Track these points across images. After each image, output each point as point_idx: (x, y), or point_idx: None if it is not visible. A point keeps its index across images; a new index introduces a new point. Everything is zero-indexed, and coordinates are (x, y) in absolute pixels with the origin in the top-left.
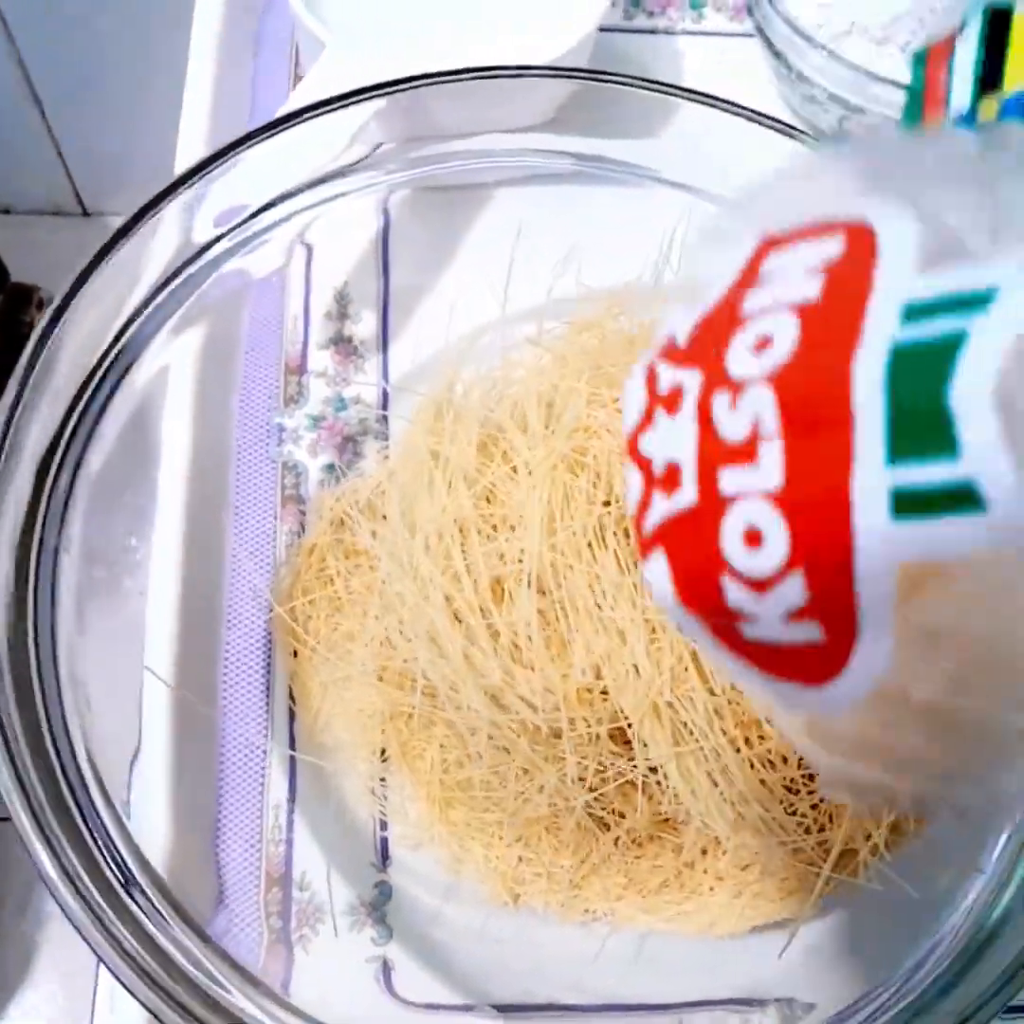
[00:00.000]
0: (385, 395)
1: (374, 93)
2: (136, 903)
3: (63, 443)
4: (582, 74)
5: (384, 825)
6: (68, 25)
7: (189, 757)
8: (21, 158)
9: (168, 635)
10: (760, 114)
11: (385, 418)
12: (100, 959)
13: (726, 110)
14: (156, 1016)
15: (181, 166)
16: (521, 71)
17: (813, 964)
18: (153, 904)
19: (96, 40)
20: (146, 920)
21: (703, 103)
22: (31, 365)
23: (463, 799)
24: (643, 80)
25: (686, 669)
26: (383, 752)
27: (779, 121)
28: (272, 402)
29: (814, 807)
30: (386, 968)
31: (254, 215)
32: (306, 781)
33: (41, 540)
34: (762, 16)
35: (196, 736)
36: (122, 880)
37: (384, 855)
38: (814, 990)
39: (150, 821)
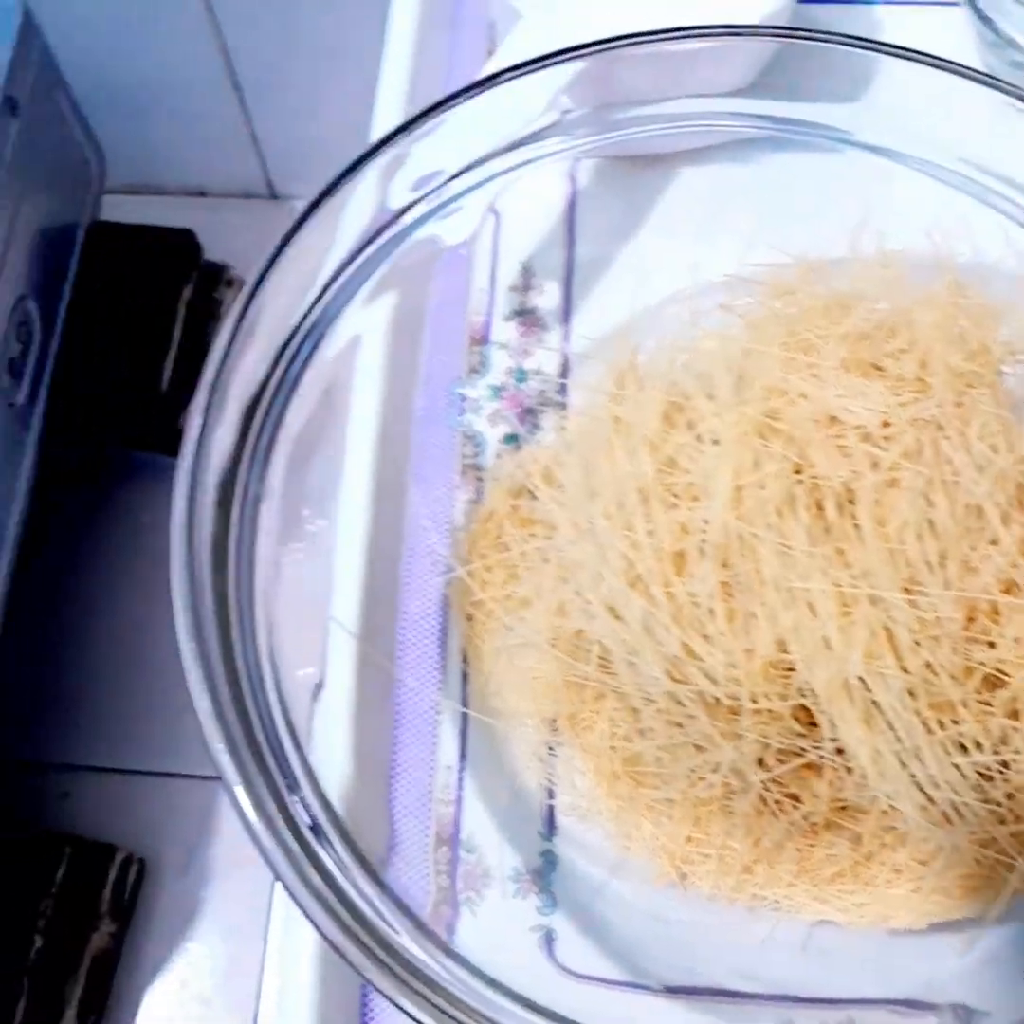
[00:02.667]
0: (566, 366)
1: (571, 55)
2: (322, 847)
3: (265, 402)
4: (786, 33)
5: (552, 794)
6: (270, 11)
7: (368, 711)
8: (218, 142)
9: (353, 590)
10: (971, 69)
11: (565, 388)
12: (292, 896)
13: (934, 66)
14: (335, 947)
15: (376, 136)
16: (725, 30)
17: (993, 970)
18: (335, 848)
19: (296, 26)
20: (331, 864)
21: (910, 59)
22: (235, 330)
23: (632, 774)
24: (849, 37)
25: (880, 645)
26: (553, 721)
27: (990, 76)
28: (455, 371)
29: (1010, 796)
30: (550, 938)
31: (450, 180)
32: (477, 744)
33: (245, 488)
34: None
35: (375, 692)
36: (310, 823)
37: (551, 824)
38: (992, 998)
39: (332, 768)
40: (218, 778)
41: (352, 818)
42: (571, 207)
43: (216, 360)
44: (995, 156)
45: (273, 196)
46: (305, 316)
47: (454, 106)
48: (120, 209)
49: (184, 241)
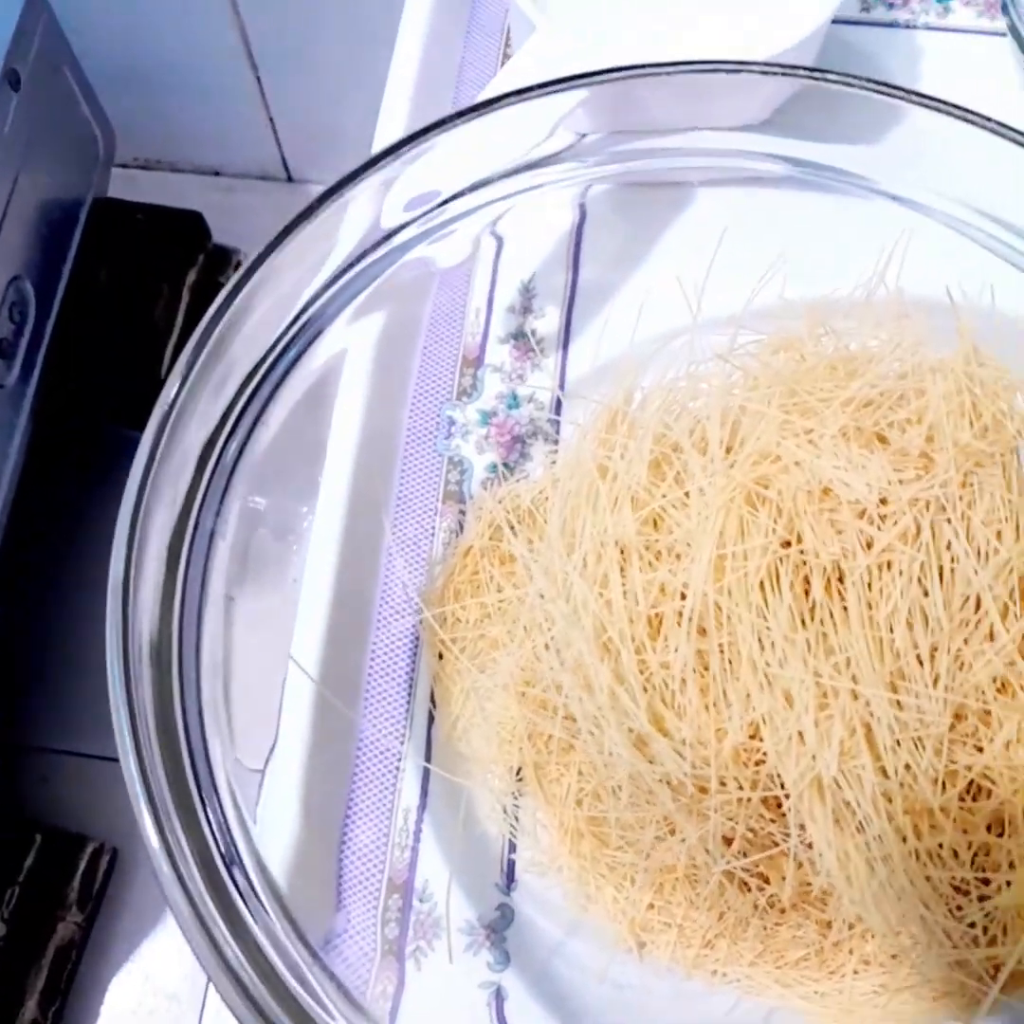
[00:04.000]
0: (560, 396)
1: (581, 82)
2: (246, 903)
3: (231, 421)
4: (808, 74)
5: (513, 846)
6: None
7: (325, 750)
8: (234, 122)
9: (318, 625)
10: (1005, 126)
11: (557, 421)
12: (203, 967)
13: (964, 119)
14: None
15: (379, 144)
16: (740, 67)
17: None
18: (263, 905)
19: (316, 9)
20: (254, 924)
21: (938, 110)
22: (204, 339)
23: (597, 833)
24: (875, 82)
25: (858, 743)
26: (519, 770)
27: (1021, 133)
28: (445, 393)
29: (987, 915)
30: (499, 996)
31: (446, 202)
32: (438, 789)
33: (197, 523)
34: (1018, 14)
35: (334, 730)
36: (236, 883)
37: (510, 877)
38: None
39: (277, 814)
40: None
41: (296, 869)
42: (578, 230)
43: (176, 379)
44: (1022, 213)
45: (289, 179)
46: (284, 333)
47: (453, 128)
48: (132, 184)
49: (191, 223)
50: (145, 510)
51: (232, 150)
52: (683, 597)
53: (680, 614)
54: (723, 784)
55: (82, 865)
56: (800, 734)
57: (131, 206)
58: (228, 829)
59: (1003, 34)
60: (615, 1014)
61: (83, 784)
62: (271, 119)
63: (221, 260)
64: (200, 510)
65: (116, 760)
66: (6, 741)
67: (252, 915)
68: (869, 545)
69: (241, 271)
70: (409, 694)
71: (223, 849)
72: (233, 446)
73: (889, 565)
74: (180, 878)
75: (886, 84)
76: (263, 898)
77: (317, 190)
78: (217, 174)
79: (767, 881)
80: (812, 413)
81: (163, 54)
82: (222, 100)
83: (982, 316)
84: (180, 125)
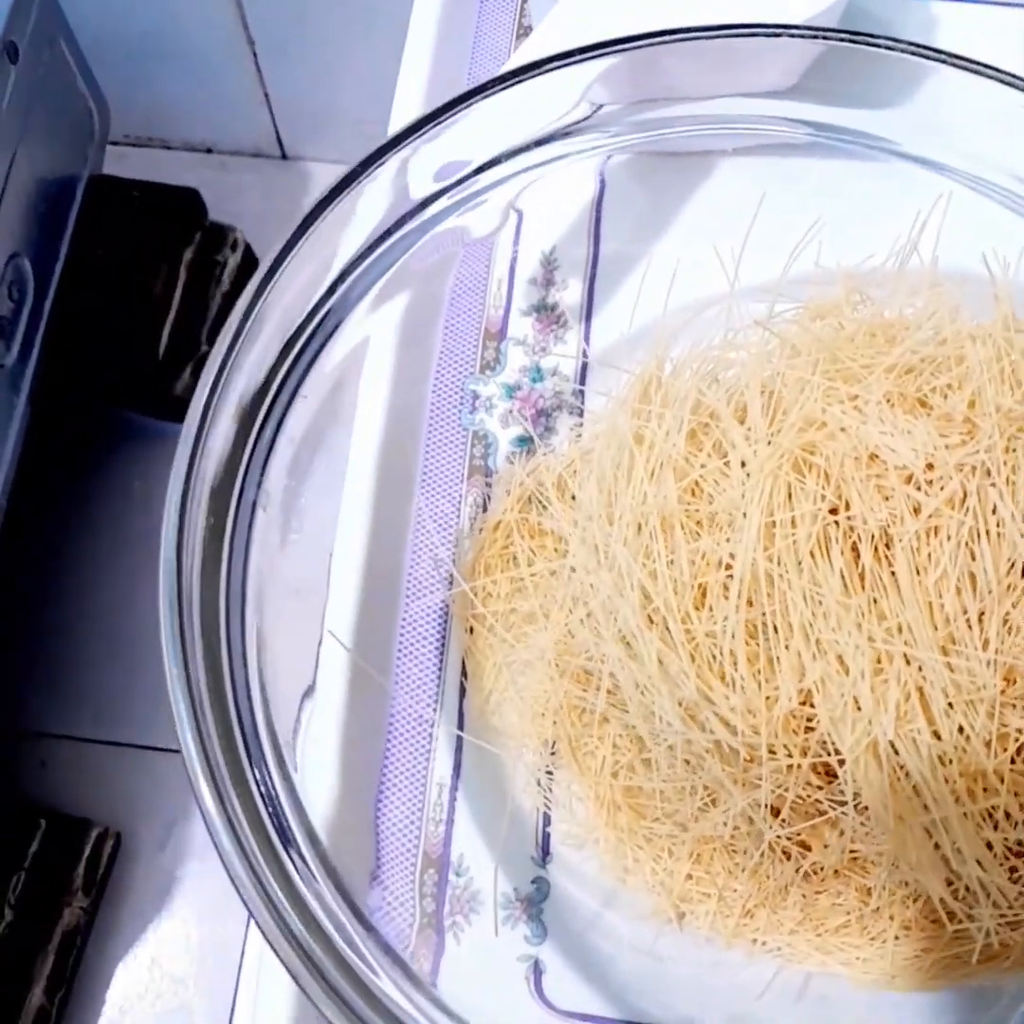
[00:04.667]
0: (584, 368)
1: (608, 50)
2: (294, 864)
3: (267, 401)
4: (841, 35)
5: (548, 819)
6: None
7: (359, 723)
8: (229, 98)
9: (350, 597)
10: None
11: (582, 392)
12: (254, 919)
13: (991, 78)
14: (300, 985)
15: (397, 116)
16: (776, 30)
17: None
18: (310, 868)
19: None
20: (301, 884)
21: (966, 70)
22: (243, 320)
23: (634, 805)
24: (901, 41)
25: (913, 707)
26: (553, 743)
27: None
28: (468, 367)
29: None
30: (537, 969)
31: (475, 173)
32: (472, 762)
33: (241, 494)
34: None
35: (367, 702)
36: (283, 838)
37: (545, 850)
38: None
39: (316, 783)
40: None
41: (332, 840)
42: (598, 200)
43: (219, 356)
44: None
45: (284, 156)
46: (314, 310)
47: (482, 98)
48: (125, 161)
49: (188, 200)
50: (192, 487)
51: (226, 127)
52: (728, 567)
53: (725, 585)
54: (773, 752)
55: (87, 850)
56: (855, 700)
57: (127, 183)
58: (278, 800)
59: (1019, 5)
60: (654, 985)
61: (83, 769)
62: (266, 95)
63: (218, 237)
64: (243, 483)
65: (115, 744)
66: (7, 724)
67: (305, 886)
68: (917, 511)
69: (275, 253)
70: (440, 669)
71: (276, 821)
72: (272, 422)
73: (937, 530)
74: (244, 851)
75: (927, 47)
76: (313, 868)
77: (313, 167)
78: (210, 151)
79: (808, 849)
80: (855, 380)
81: (156, 29)
82: (216, 76)
83: (1016, 283)
84: (173, 101)
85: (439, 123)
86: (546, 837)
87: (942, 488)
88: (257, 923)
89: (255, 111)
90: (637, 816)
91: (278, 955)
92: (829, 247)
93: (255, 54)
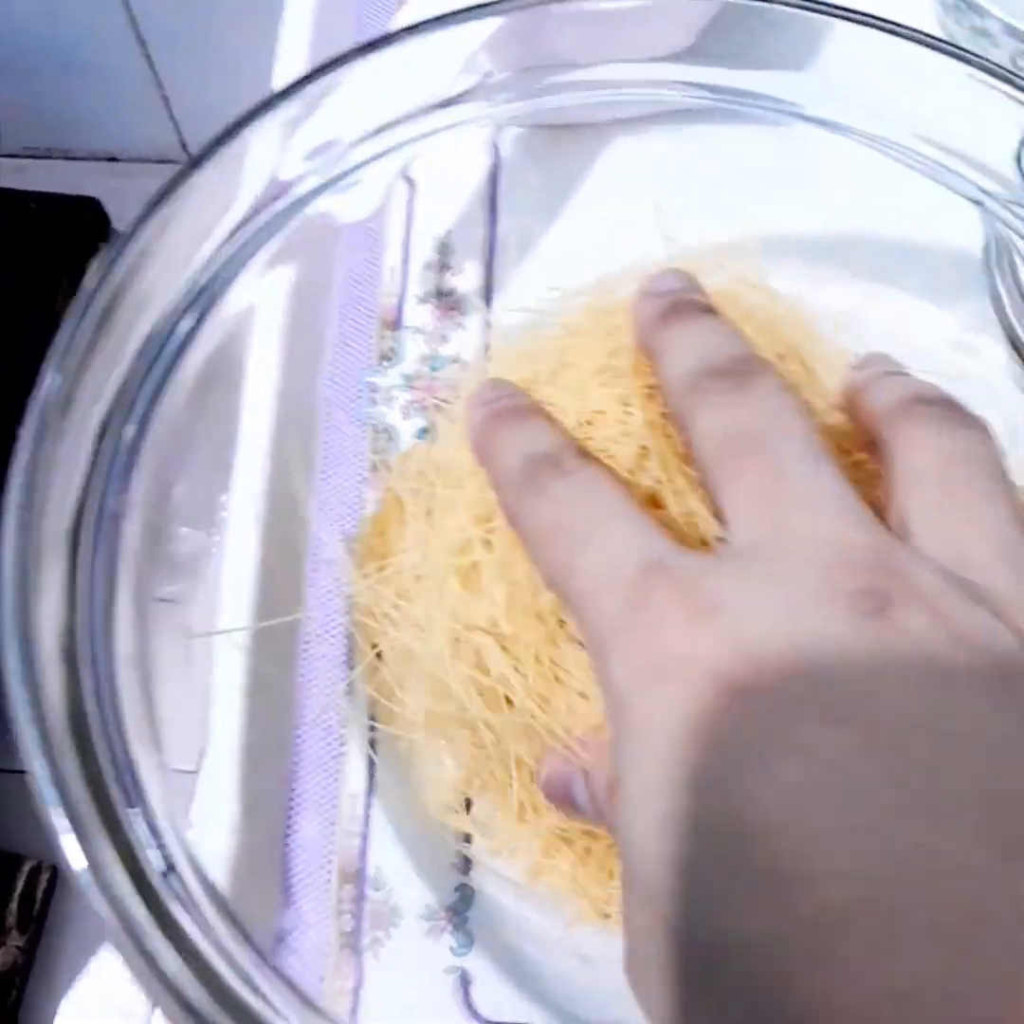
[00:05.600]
0: (486, 354)
1: (490, 10)
2: (186, 912)
3: (128, 397)
4: None
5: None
6: None
7: (262, 742)
8: (127, 102)
9: (244, 612)
10: (929, 36)
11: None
12: (140, 985)
13: (889, 32)
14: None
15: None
16: None
17: None
18: (203, 912)
19: None
20: (196, 933)
21: (863, 24)
22: (87, 308)
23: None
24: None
25: None
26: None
27: (950, 44)
28: (365, 359)
29: None
30: (465, 980)
31: (348, 149)
32: (386, 770)
33: (100, 506)
34: None
35: (271, 720)
36: (173, 891)
37: (467, 856)
38: None
39: (215, 813)
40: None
41: (239, 876)
42: (494, 179)
43: (60, 348)
44: (952, 131)
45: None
46: (179, 298)
47: (354, 63)
48: (23, 174)
49: (88, 210)
50: (35, 496)
51: (127, 134)
52: None
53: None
54: None
55: (19, 886)
56: None
57: (23, 195)
58: (159, 835)
59: None
60: (587, 989)
61: (12, 801)
62: (165, 98)
63: None
64: (102, 493)
65: None
66: None
67: (194, 923)
68: None
69: (125, 232)
70: (347, 673)
71: (155, 858)
72: (132, 423)
73: None
74: (108, 892)
75: (821, 1)
76: (203, 905)
77: None
78: (113, 160)
79: None
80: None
81: (49, 36)
82: (112, 80)
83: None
84: (71, 110)
85: (306, 91)
86: (467, 841)
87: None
88: (132, 972)
89: (155, 114)
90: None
91: (161, 1008)
92: (726, 215)
93: (148, 55)
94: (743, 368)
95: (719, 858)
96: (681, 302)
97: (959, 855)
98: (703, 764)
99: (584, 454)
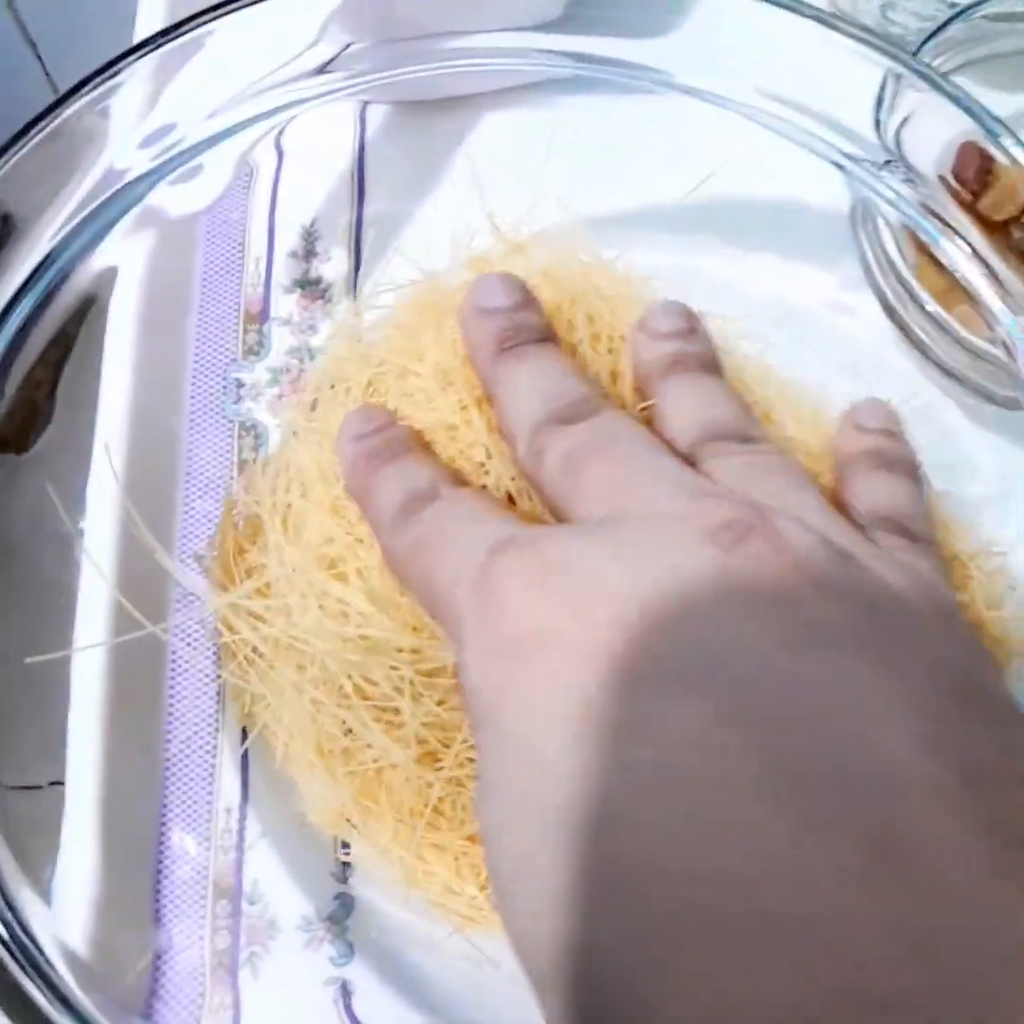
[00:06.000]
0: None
1: None
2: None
3: None
4: None
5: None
6: None
7: (125, 759)
8: None
9: (100, 625)
10: (804, 4)
11: None
12: None
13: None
14: None
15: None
16: None
17: None
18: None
19: None
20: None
21: None
22: None
23: (422, 814)
24: None
25: None
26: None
27: (823, 13)
28: (230, 354)
29: None
30: (346, 991)
31: (190, 128)
32: (260, 781)
33: None
34: None
35: (134, 737)
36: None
37: (346, 863)
38: None
39: (75, 835)
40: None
41: (105, 902)
42: (359, 161)
43: None
44: (815, 95)
45: None
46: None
47: (188, 34)
48: None
49: None
50: None
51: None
52: None
53: None
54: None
55: None
56: None
57: None
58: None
59: None
60: (478, 991)
61: None
62: (32, 42)
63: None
64: None
65: None
66: None
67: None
68: None
69: None
70: (218, 685)
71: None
72: None
73: None
74: None
75: None
76: (57, 963)
77: None
78: None
79: None
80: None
81: None
82: None
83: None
84: None
85: (134, 66)
86: (346, 850)
87: None
88: None
89: (22, 59)
90: (427, 825)
91: None
92: (597, 188)
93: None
94: (586, 409)
95: (563, 853)
96: (517, 328)
97: (828, 856)
98: (544, 749)
99: (457, 482)
